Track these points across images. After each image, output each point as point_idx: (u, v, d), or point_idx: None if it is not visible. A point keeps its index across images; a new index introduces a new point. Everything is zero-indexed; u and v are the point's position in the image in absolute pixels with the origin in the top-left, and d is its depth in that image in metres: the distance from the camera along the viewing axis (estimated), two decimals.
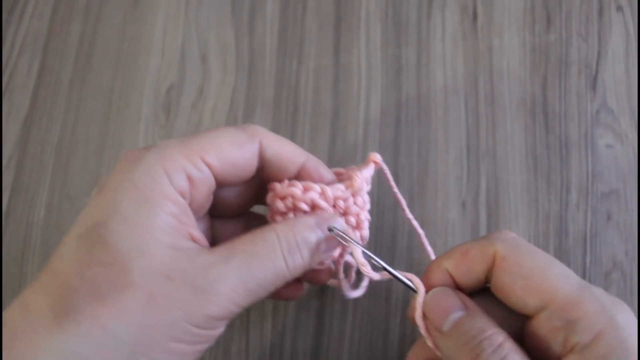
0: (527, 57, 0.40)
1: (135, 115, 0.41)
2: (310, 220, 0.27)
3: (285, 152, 0.28)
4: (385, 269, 0.27)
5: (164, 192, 0.24)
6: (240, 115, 0.41)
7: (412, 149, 0.39)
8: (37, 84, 0.43)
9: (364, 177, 0.29)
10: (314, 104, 0.41)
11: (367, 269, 0.27)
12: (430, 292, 0.26)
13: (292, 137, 0.40)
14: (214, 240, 0.31)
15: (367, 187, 0.29)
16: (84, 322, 0.21)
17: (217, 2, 0.44)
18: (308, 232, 0.26)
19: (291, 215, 0.28)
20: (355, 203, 0.29)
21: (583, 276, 0.36)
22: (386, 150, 0.39)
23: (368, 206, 0.30)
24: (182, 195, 0.25)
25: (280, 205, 0.28)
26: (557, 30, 0.41)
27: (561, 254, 0.36)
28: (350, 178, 0.29)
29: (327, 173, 0.30)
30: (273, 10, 0.43)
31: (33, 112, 0.42)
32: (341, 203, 0.29)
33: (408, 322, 0.36)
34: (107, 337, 0.21)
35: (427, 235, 0.37)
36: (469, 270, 0.26)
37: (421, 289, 0.26)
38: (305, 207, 0.28)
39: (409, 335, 0.36)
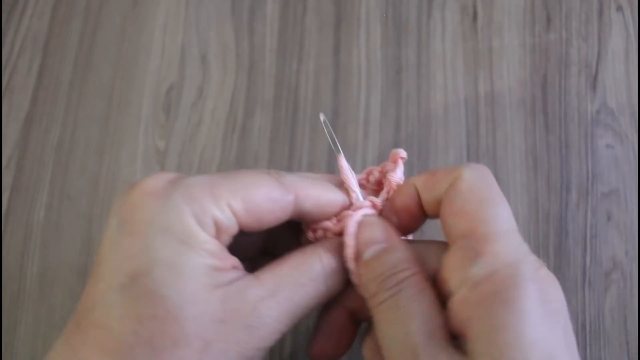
0: (527, 57, 0.40)
1: (135, 115, 0.41)
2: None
3: (323, 199, 0.27)
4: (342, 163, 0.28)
5: (198, 238, 0.23)
6: (240, 115, 0.41)
7: (412, 149, 0.39)
8: (37, 84, 0.43)
9: (399, 179, 0.29)
10: (314, 104, 0.41)
11: (348, 178, 0.28)
12: (364, 218, 0.27)
13: (292, 137, 0.40)
14: (234, 250, 0.31)
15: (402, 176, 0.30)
16: None
17: (217, 2, 0.44)
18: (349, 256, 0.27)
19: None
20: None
21: (583, 276, 0.36)
22: (386, 150, 0.39)
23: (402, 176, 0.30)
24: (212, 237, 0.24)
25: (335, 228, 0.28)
26: (557, 30, 0.41)
27: (561, 254, 0.36)
28: (383, 182, 0.29)
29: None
30: (273, 10, 0.43)
31: (33, 112, 0.42)
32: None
33: None
34: None
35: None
36: (433, 187, 0.26)
37: (361, 211, 0.27)
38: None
39: None
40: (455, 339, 0.23)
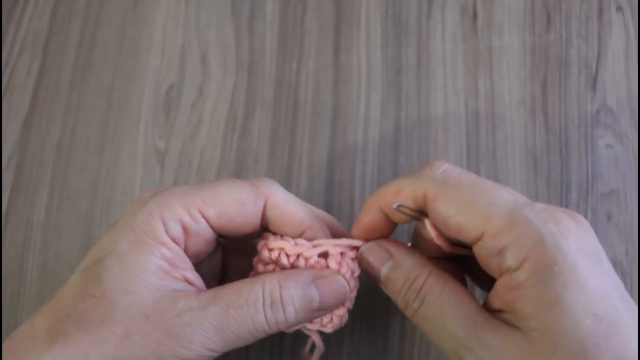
0: (527, 57, 0.40)
1: (135, 115, 0.41)
2: (303, 276, 0.27)
3: (289, 215, 0.28)
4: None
5: (158, 238, 0.25)
6: (240, 115, 0.41)
7: (412, 149, 0.39)
8: (37, 84, 0.43)
9: (340, 264, 0.28)
10: (314, 104, 0.41)
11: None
12: (362, 249, 0.28)
13: (292, 137, 0.40)
14: (229, 272, 0.33)
15: (347, 271, 0.28)
16: (68, 346, 0.23)
17: (217, 2, 0.44)
18: (297, 289, 0.26)
19: (271, 267, 0.28)
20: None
21: None
22: (386, 150, 0.39)
23: (347, 303, 0.29)
24: (176, 242, 0.26)
25: (265, 254, 0.28)
26: (557, 30, 0.41)
27: None
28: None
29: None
30: (273, 10, 0.43)
31: (33, 112, 0.42)
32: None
33: (408, 322, 0.36)
34: None
35: None
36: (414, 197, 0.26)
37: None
38: (285, 262, 0.28)
39: (409, 335, 0.36)
40: (497, 311, 0.24)
